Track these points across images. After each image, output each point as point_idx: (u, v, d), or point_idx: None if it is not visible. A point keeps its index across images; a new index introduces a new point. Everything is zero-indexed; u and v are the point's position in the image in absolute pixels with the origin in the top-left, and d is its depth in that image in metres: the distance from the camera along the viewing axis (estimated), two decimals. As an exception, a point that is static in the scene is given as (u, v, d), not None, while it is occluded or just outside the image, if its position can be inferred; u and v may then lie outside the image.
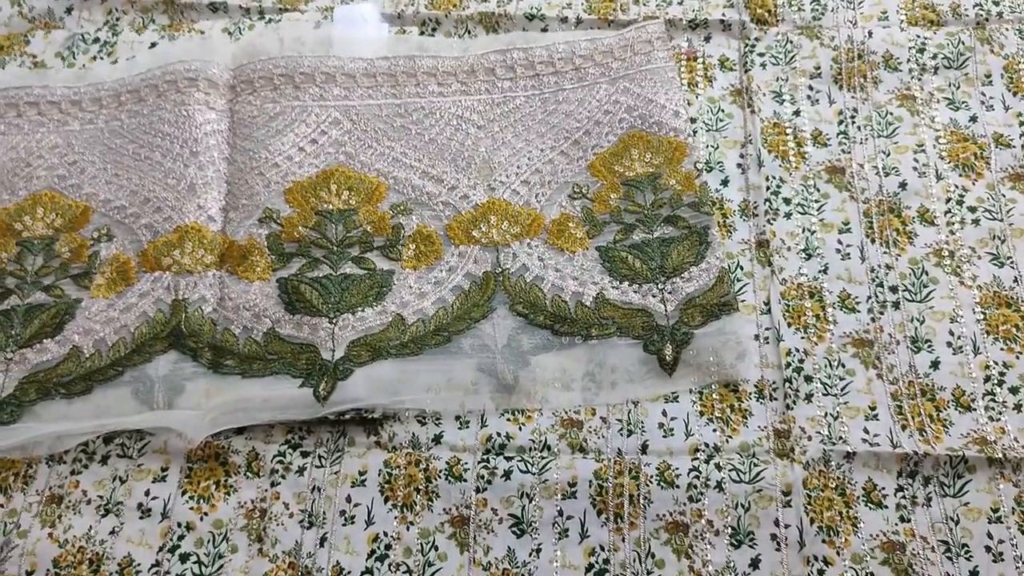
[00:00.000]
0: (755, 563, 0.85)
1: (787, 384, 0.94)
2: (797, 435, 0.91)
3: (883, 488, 0.88)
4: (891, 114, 1.11)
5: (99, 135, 1.12)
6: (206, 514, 0.90)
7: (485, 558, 0.86)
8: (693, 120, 1.12)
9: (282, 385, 0.94)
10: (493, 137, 1.10)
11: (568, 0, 1.21)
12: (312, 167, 1.08)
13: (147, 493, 0.91)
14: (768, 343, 0.97)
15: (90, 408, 0.94)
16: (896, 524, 0.86)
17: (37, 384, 0.95)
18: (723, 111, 1.13)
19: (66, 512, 0.90)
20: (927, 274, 1.00)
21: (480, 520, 0.88)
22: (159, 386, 0.94)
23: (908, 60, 1.14)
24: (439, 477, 0.90)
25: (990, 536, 0.85)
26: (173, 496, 0.91)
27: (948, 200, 1.05)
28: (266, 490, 0.91)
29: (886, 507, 0.87)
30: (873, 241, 1.02)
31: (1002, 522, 0.86)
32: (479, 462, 0.91)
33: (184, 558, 0.87)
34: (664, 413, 0.93)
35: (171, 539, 0.88)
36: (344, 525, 0.88)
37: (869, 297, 0.99)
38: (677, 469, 0.89)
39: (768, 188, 1.06)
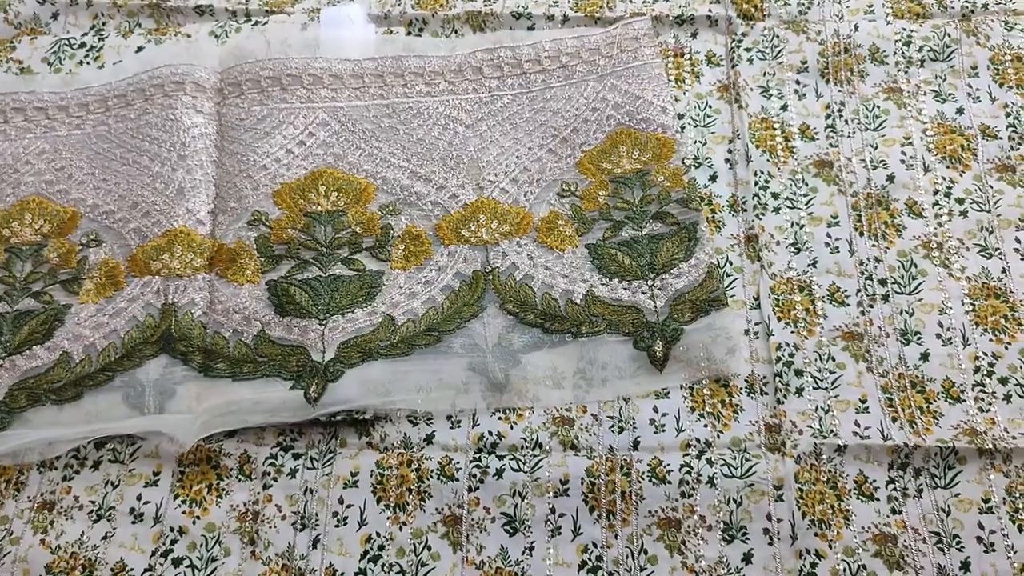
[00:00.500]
0: (748, 558, 0.85)
1: (777, 379, 0.94)
2: (788, 429, 0.91)
3: (874, 480, 0.88)
4: (878, 107, 1.11)
5: (87, 140, 1.12)
6: (198, 518, 0.89)
7: (478, 557, 0.87)
8: (680, 116, 1.12)
9: (273, 387, 0.94)
10: (481, 136, 1.10)
11: (555, -2, 1.21)
12: (300, 169, 1.08)
13: (139, 498, 0.91)
14: (758, 338, 0.97)
15: (81, 414, 0.94)
16: (888, 516, 0.86)
17: (27, 391, 0.95)
18: (710, 107, 1.13)
19: (58, 518, 0.90)
20: (916, 266, 1.00)
21: (473, 519, 0.88)
22: (150, 390, 0.94)
23: (894, 53, 1.14)
24: (431, 477, 0.90)
25: (981, 527, 0.85)
26: (165, 500, 0.91)
27: (936, 192, 1.05)
28: (258, 493, 0.91)
29: (877, 499, 0.87)
30: (862, 234, 1.03)
31: (993, 512, 0.86)
32: (471, 461, 0.91)
33: (177, 562, 0.87)
34: (655, 409, 0.93)
35: (164, 543, 0.88)
36: (337, 526, 0.88)
37: (859, 290, 0.99)
38: (669, 465, 0.89)
39: (756, 183, 1.06)
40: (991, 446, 0.88)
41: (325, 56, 1.15)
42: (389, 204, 1.06)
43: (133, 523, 0.89)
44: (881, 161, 1.07)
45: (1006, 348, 0.95)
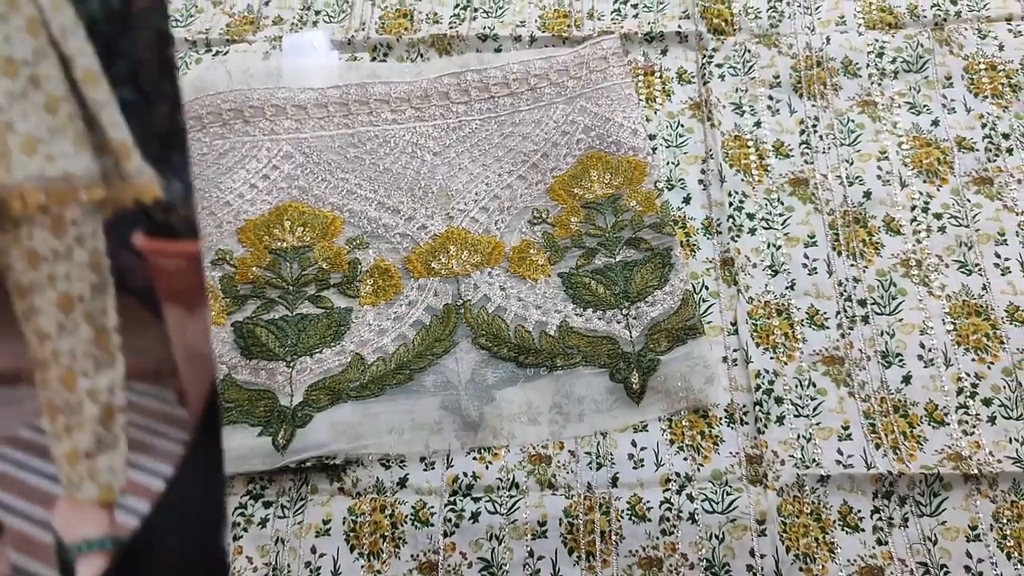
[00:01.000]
0: (731, 596, 0.83)
1: (758, 407, 0.92)
2: (770, 460, 0.89)
3: (859, 511, 0.86)
4: (853, 121, 1.09)
5: None
6: (166, 573, 0.87)
7: (455, 605, 0.84)
8: (652, 137, 1.09)
9: (240, 434, 0.91)
10: (450, 164, 1.08)
11: (521, 18, 1.19)
12: (265, 204, 1.05)
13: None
14: (737, 365, 0.95)
15: None
16: (873, 547, 0.84)
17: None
18: (683, 126, 1.10)
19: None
20: (895, 285, 0.98)
21: (449, 565, 0.86)
22: None
23: (868, 65, 1.13)
24: (406, 522, 0.87)
25: (969, 555, 0.84)
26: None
27: (913, 208, 1.03)
28: (228, 544, 0.88)
29: (863, 530, 0.85)
30: (840, 254, 1.01)
31: (980, 540, 0.84)
32: (446, 505, 0.88)
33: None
34: (633, 443, 0.91)
35: (131, 602, 0.86)
36: (309, 578, 0.86)
37: (838, 312, 0.97)
38: (648, 502, 0.87)
39: (731, 204, 1.04)
40: (976, 471, 0.86)
41: (288, 86, 1.13)
42: (356, 237, 1.03)
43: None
44: (857, 177, 1.05)
45: (989, 368, 0.93)
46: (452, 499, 0.89)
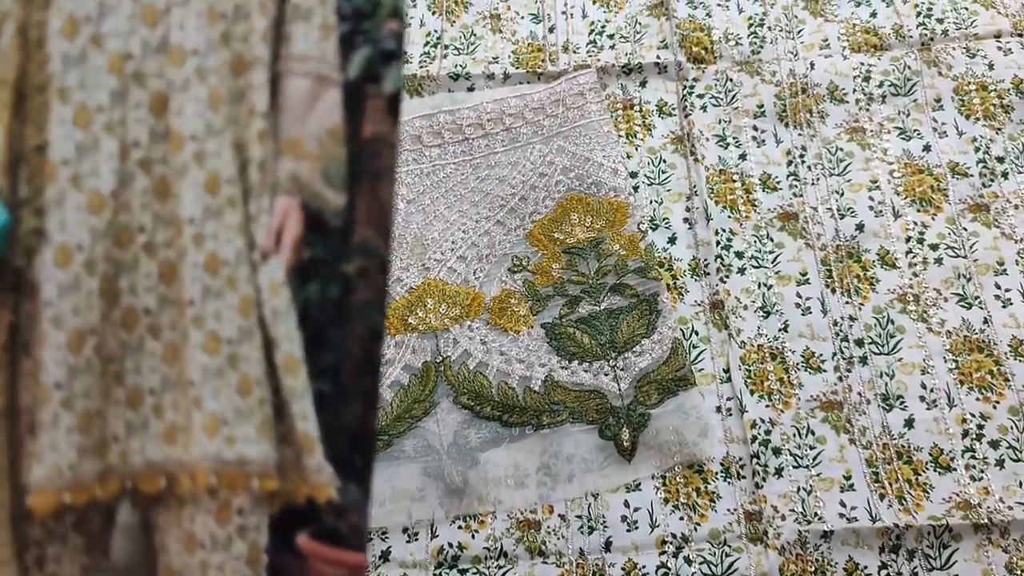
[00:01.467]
0: (735, 668, 0.79)
1: (755, 460, 0.88)
2: (769, 516, 0.85)
3: (865, 567, 0.82)
4: (841, 150, 1.05)
5: None
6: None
7: None
8: (634, 174, 1.05)
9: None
10: (424, 211, 1.03)
11: (494, 54, 1.15)
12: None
13: None
14: (731, 415, 0.91)
15: None
16: (882, 608, 0.80)
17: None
18: (665, 161, 1.06)
19: None
20: (893, 323, 0.94)
21: (436, 645, 0.81)
22: None
23: (854, 90, 1.09)
24: (389, 600, 0.83)
25: (983, 612, 0.79)
26: None
27: (908, 239, 0.99)
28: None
29: (870, 589, 0.81)
30: (834, 291, 0.96)
31: (994, 595, 0.80)
32: (431, 579, 0.84)
33: None
34: (626, 504, 0.87)
35: None
36: (289, 665, 0.81)
37: (835, 354, 0.93)
38: (644, 567, 0.83)
39: (718, 243, 1.00)
40: (987, 520, 0.82)
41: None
42: (330, 294, 0.99)
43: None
44: (849, 209, 1.01)
45: (994, 407, 0.89)
46: (438, 572, 0.84)
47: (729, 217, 1.01)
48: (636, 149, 1.07)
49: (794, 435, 0.89)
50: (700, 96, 1.10)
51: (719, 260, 0.99)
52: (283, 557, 0.51)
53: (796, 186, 1.03)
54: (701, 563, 0.83)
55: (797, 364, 0.93)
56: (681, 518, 0.86)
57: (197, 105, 0.49)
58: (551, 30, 1.16)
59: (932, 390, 0.90)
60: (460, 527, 0.86)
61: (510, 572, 0.84)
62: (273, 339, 0.50)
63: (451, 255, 1.00)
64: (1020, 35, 1.09)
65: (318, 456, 0.50)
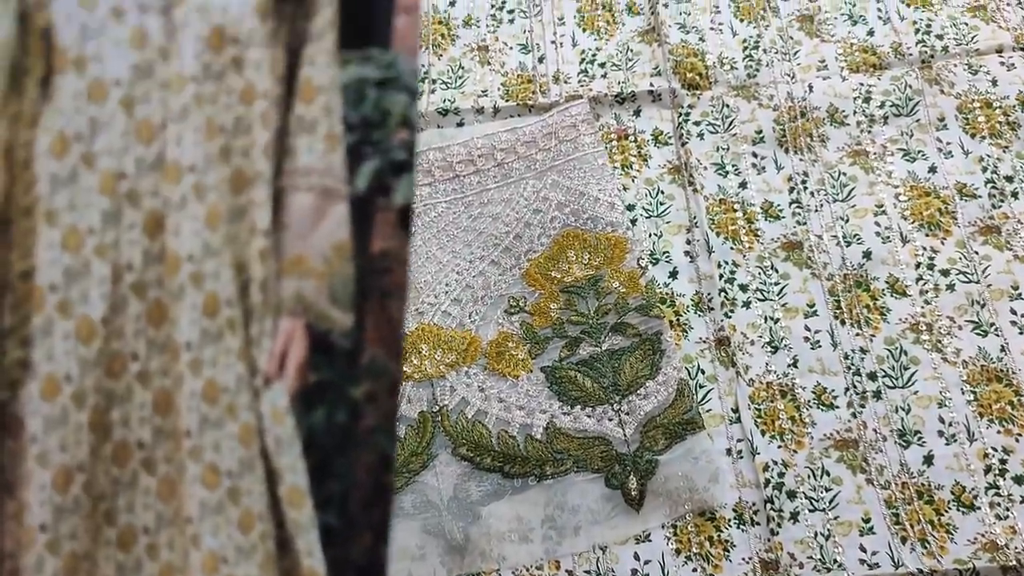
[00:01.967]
0: None
1: (769, 505, 0.84)
2: (787, 564, 0.81)
3: (890, 616, 0.78)
4: (844, 174, 1.02)
5: None
6: None
7: None
8: (631, 208, 1.02)
9: None
10: (416, 252, 1.00)
11: (483, 87, 1.12)
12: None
13: None
14: (742, 458, 0.87)
15: None
16: (910, 660, 0.76)
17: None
18: (663, 192, 1.03)
19: None
20: (906, 354, 0.90)
21: None
22: None
23: (855, 112, 1.05)
24: (391, 669, 0.79)
25: (1016, 662, 0.75)
26: None
27: (918, 265, 0.95)
28: None
29: (896, 640, 0.77)
30: (843, 323, 0.93)
31: (1027, 642, 0.76)
32: (434, 645, 0.80)
33: None
34: (636, 556, 0.83)
35: None
36: None
37: (847, 389, 0.89)
38: (658, 625, 0.79)
39: (722, 276, 0.96)
40: (1015, 562, 0.78)
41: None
42: (321, 343, 0.95)
43: None
44: (855, 236, 0.98)
45: (1017, 440, 0.85)
46: (441, 637, 0.80)
47: (731, 248, 0.98)
48: (632, 181, 1.04)
49: (809, 477, 0.85)
50: (696, 123, 1.07)
51: (723, 294, 0.95)
52: None
53: (799, 214, 1.00)
54: (717, 618, 0.79)
55: (808, 401, 0.89)
56: (694, 569, 0.82)
57: (194, 224, 0.46)
58: (541, 60, 1.13)
59: (951, 424, 0.87)
60: (463, 587, 0.82)
61: (517, 634, 0.80)
62: (276, 470, 0.47)
63: (445, 298, 0.97)
64: (1023, 49, 1.06)
65: None
